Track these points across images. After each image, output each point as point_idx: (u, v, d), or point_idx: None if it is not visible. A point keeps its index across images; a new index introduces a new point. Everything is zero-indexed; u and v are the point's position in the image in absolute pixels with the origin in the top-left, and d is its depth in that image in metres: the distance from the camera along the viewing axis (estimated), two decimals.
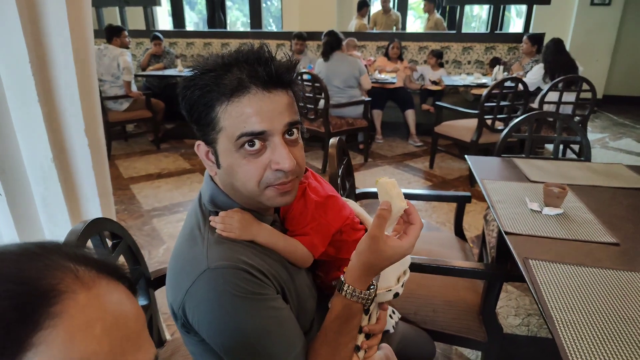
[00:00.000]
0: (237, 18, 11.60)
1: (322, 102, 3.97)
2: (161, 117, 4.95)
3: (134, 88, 4.52)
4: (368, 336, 0.88)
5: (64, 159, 1.70)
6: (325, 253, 0.86)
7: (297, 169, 0.73)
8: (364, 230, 0.92)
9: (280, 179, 0.72)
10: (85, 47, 1.67)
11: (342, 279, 0.76)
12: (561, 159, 2.07)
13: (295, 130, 0.73)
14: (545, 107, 3.60)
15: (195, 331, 0.73)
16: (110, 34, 4.40)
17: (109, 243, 1.03)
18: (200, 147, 0.76)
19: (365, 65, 4.59)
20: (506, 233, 1.26)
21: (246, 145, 0.69)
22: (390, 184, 0.74)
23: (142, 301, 1.12)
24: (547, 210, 1.39)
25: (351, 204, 0.98)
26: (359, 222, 0.92)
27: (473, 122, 3.66)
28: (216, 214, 0.77)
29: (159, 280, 1.18)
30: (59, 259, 0.35)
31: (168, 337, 1.52)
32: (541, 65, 3.95)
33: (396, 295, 0.88)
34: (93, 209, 1.81)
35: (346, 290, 0.75)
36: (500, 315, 2.13)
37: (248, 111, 0.67)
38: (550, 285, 1.00)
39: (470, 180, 3.78)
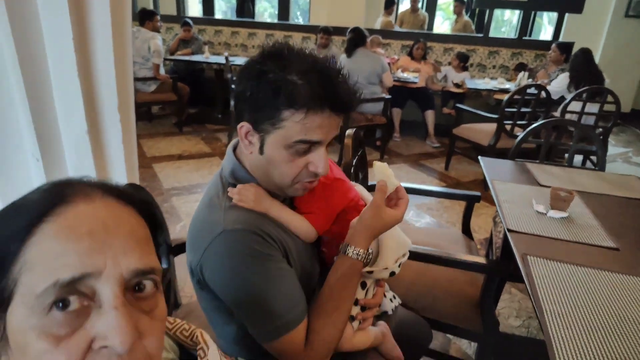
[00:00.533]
0: (265, 9, 11.69)
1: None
2: (186, 100, 5.09)
3: (162, 71, 4.66)
4: (363, 309, 0.95)
5: (96, 132, 1.81)
6: (330, 231, 0.93)
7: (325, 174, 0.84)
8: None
9: (311, 178, 0.82)
10: (123, 28, 1.78)
11: (347, 243, 0.86)
12: (574, 166, 2.09)
13: (333, 140, 0.83)
14: (567, 117, 3.59)
15: (210, 288, 0.82)
16: (143, 17, 4.54)
17: None
18: (244, 128, 0.81)
19: (388, 63, 4.62)
20: (509, 230, 1.32)
21: (299, 147, 0.78)
22: (385, 166, 0.91)
23: (163, 264, 1.22)
24: (553, 213, 1.43)
25: (358, 187, 1.05)
26: (363, 204, 0.99)
27: (492, 127, 3.68)
28: (234, 186, 0.85)
29: (179, 248, 1.27)
30: (80, 184, 0.45)
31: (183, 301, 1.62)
32: (567, 74, 3.93)
33: (392, 273, 0.95)
34: (120, 182, 1.92)
35: (352, 252, 0.84)
36: (502, 315, 2.18)
37: (315, 125, 0.76)
38: (545, 280, 1.06)
39: (484, 184, 3.77)
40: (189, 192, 3.38)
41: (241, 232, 0.78)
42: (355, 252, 0.84)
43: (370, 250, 0.87)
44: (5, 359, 0.41)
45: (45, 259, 0.39)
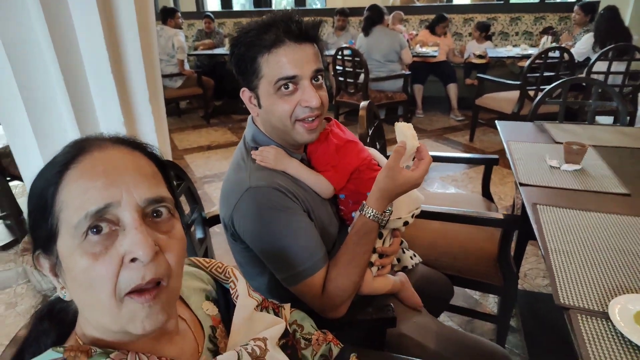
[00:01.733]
0: None
1: (362, 77, 4.07)
2: (211, 93, 5.26)
3: (186, 66, 4.82)
4: (381, 256, 1.05)
5: (131, 123, 1.97)
6: (346, 188, 1.02)
7: (321, 107, 0.91)
8: (380, 170, 1.08)
9: (306, 114, 0.90)
10: (147, 26, 1.91)
11: (364, 203, 0.94)
12: (597, 123, 2.09)
13: (320, 77, 0.91)
14: (593, 78, 3.51)
15: (241, 239, 0.93)
16: (165, 15, 4.70)
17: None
18: (245, 93, 0.95)
19: (407, 40, 4.61)
20: (521, 184, 1.37)
21: (282, 87, 0.87)
22: (406, 127, 0.91)
23: (199, 234, 1.35)
24: (566, 166, 1.47)
25: (372, 151, 1.14)
26: (376, 163, 1.07)
27: (515, 94, 3.64)
28: (256, 149, 0.96)
29: (213, 220, 1.40)
30: (94, 139, 0.55)
31: None
32: (591, 34, 3.82)
33: (406, 223, 1.04)
34: None
35: (366, 211, 0.92)
36: (529, 275, 2.22)
37: (283, 60, 0.86)
38: (553, 225, 1.12)
39: None
40: (219, 179, 3.54)
41: (265, 188, 0.89)
42: (368, 211, 0.92)
43: (387, 211, 0.93)
44: (62, 280, 0.53)
45: (75, 197, 0.49)
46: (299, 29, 0.86)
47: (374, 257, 1.03)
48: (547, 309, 1.97)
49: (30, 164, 1.86)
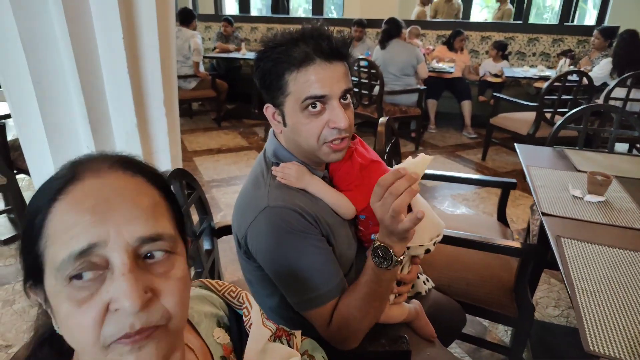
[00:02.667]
0: (300, 4, 11.78)
1: (376, 89, 4.04)
2: (224, 97, 5.25)
3: (201, 69, 4.82)
4: (399, 283, 1.00)
5: (144, 125, 1.94)
6: (367, 209, 0.98)
7: (349, 128, 0.86)
8: None
9: (334, 136, 0.85)
10: (167, 28, 1.89)
11: (373, 237, 0.86)
12: (616, 152, 2.04)
13: (348, 96, 0.86)
14: (611, 104, 3.45)
15: (254, 258, 0.89)
16: (184, 17, 4.71)
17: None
18: (269, 109, 0.91)
19: (424, 54, 4.58)
20: (543, 214, 1.32)
21: (309, 107, 0.83)
22: (426, 162, 0.79)
23: (207, 246, 1.31)
24: (589, 197, 1.42)
25: None
26: None
27: (531, 116, 3.59)
28: (277, 165, 0.92)
29: (222, 231, 1.36)
30: (90, 161, 0.49)
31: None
32: (609, 59, 3.77)
33: (427, 251, 0.99)
34: (164, 169, 2.06)
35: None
36: (540, 304, 2.16)
37: (312, 78, 0.82)
38: (578, 260, 1.07)
39: (523, 174, 3.71)
40: (228, 183, 3.51)
41: (283, 209, 0.85)
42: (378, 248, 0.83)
43: (399, 258, 0.83)
44: (52, 316, 0.48)
45: (60, 233, 0.44)
46: (329, 46, 0.82)
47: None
48: (559, 340, 1.90)
49: (39, 158, 1.83)
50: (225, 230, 1.36)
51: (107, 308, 0.43)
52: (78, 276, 0.43)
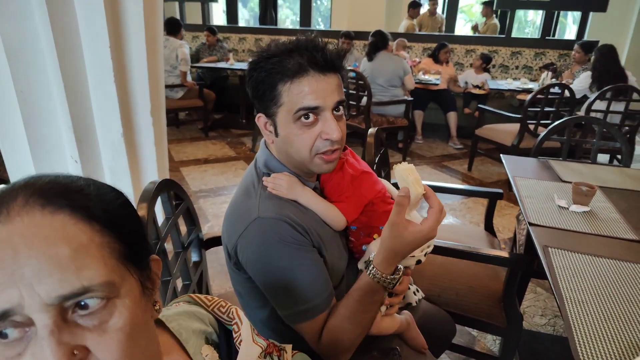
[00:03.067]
0: (287, 16, 11.88)
1: (364, 100, 4.07)
2: (212, 107, 5.23)
3: (189, 78, 4.81)
4: (390, 295, 0.99)
5: (130, 135, 1.92)
6: (358, 220, 0.98)
7: (341, 140, 0.86)
8: (394, 204, 1.03)
9: (327, 147, 0.85)
10: (155, 37, 1.88)
11: (371, 259, 0.86)
12: (598, 163, 2.08)
13: (341, 107, 0.86)
14: (593, 116, 3.54)
15: (244, 269, 0.88)
16: (171, 27, 4.70)
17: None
18: (261, 119, 0.90)
19: (410, 66, 4.64)
20: (530, 224, 1.34)
21: (302, 118, 0.83)
22: (408, 170, 0.81)
23: (195, 258, 1.29)
24: (574, 208, 1.44)
25: (385, 182, 1.10)
26: (390, 196, 1.03)
27: (515, 127, 3.66)
28: (268, 175, 0.92)
29: (210, 242, 1.34)
30: (7, 194, 0.41)
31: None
32: (589, 73, 3.87)
33: (418, 262, 0.99)
34: (150, 179, 2.04)
35: (371, 271, 0.84)
36: (527, 313, 2.17)
37: (306, 90, 0.82)
38: (566, 270, 1.08)
39: (508, 184, 3.77)
40: (215, 194, 3.48)
41: (274, 220, 0.84)
42: (374, 272, 0.83)
43: (397, 272, 0.84)
44: None
45: None
46: (324, 58, 0.82)
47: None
48: (547, 350, 1.91)
49: (21, 169, 1.80)
50: (214, 241, 1.35)
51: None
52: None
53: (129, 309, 0.42)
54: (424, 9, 6.81)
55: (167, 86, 4.66)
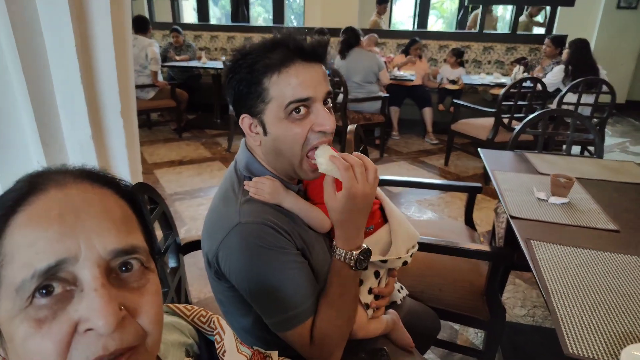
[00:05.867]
0: (259, 14, 11.75)
1: (340, 97, 4.06)
2: (185, 107, 5.11)
3: (160, 78, 4.68)
4: (377, 297, 0.97)
5: (100, 137, 1.83)
6: None
7: (333, 133, 0.83)
8: (378, 204, 1.01)
9: (320, 139, 0.81)
10: (123, 35, 1.80)
11: (335, 244, 0.84)
12: (573, 155, 2.12)
13: (329, 100, 0.83)
14: (564, 108, 3.62)
15: (226, 278, 0.84)
16: (140, 25, 4.57)
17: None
18: (245, 120, 0.85)
19: (385, 62, 4.65)
20: (512, 217, 1.34)
21: (293, 112, 0.79)
22: (320, 152, 0.80)
23: (172, 264, 1.24)
24: (553, 199, 1.45)
25: None
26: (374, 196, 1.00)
27: (490, 121, 3.71)
28: (249, 179, 0.88)
29: (188, 247, 1.29)
30: (52, 172, 0.45)
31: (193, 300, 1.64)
32: (562, 66, 3.96)
33: (405, 263, 0.97)
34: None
35: (335, 252, 0.84)
36: (507, 305, 2.20)
37: (294, 81, 0.78)
38: (549, 262, 1.08)
39: (484, 178, 3.83)
40: (192, 196, 3.40)
41: (256, 225, 0.80)
42: (337, 252, 0.83)
43: (360, 249, 0.83)
44: (3, 351, 0.42)
45: (21, 249, 0.39)
46: (308, 46, 0.79)
47: (370, 299, 0.95)
48: (527, 341, 1.94)
49: None
50: (192, 246, 1.30)
51: (75, 330, 0.38)
52: (41, 293, 0.38)
53: (157, 281, 0.46)
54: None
55: (137, 86, 4.52)
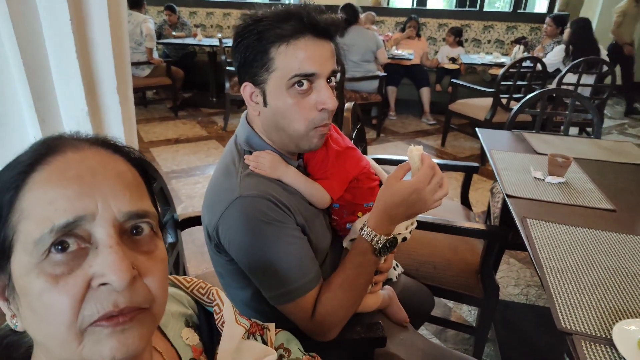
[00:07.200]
0: None
1: (337, 76, 4.01)
2: (180, 85, 5.05)
3: (155, 55, 4.61)
4: (375, 273, 0.98)
5: (97, 113, 1.81)
6: (342, 198, 0.95)
7: (333, 112, 0.82)
8: (378, 181, 1.01)
9: (324, 121, 0.82)
10: (118, 10, 1.76)
11: (365, 223, 0.86)
12: (571, 135, 2.12)
13: (333, 78, 0.82)
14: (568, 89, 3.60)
15: (226, 251, 0.84)
16: (135, 1, 4.47)
17: None
18: (247, 89, 0.84)
19: (383, 41, 4.59)
20: (508, 196, 1.35)
21: (296, 85, 0.78)
22: (415, 149, 0.84)
23: (170, 239, 1.24)
24: (550, 179, 1.46)
25: (368, 159, 1.07)
26: (374, 173, 1.01)
27: (488, 101, 3.69)
28: (250, 153, 0.87)
29: (185, 223, 1.30)
30: (68, 137, 0.47)
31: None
32: (562, 46, 3.92)
33: (404, 239, 0.97)
34: None
35: (365, 231, 0.85)
36: (501, 284, 2.23)
37: (302, 55, 0.77)
38: (544, 240, 1.09)
39: (481, 159, 3.83)
40: (188, 174, 3.39)
41: (256, 199, 0.80)
42: (367, 231, 0.84)
43: (389, 236, 0.84)
44: (14, 306, 0.43)
45: (40, 205, 0.40)
46: (322, 21, 0.77)
47: None
48: (520, 318, 1.97)
49: None
50: (189, 222, 1.30)
51: (89, 285, 0.40)
52: (58, 248, 0.40)
53: (164, 248, 0.47)
54: None
55: (132, 64, 4.45)
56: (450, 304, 2.09)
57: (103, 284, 0.40)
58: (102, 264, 0.40)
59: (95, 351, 0.40)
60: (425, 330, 1.90)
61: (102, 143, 0.47)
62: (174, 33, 5.45)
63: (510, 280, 2.28)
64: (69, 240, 0.40)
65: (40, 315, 0.40)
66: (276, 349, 0.74)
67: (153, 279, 0.44)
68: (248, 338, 0.66)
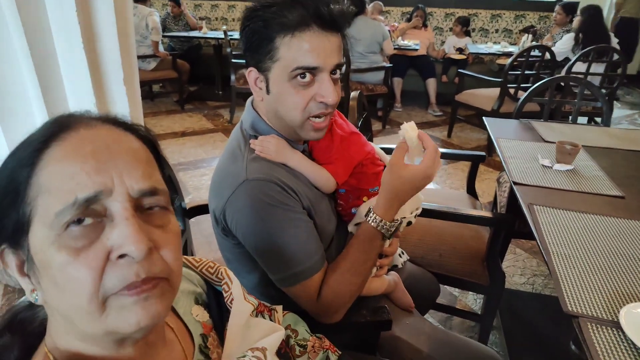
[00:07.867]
0: None
1: (343, 67, 4.00)
2: (186, 78, 5.06)
3: (161, 48, 4.62)
4: (380, 256, 0.99)
5: (104, 105, 1.83)
6: (347, 183, 0.95)
7: (335, 105, 0.82)
8: (383, 166, 1.01)
9: (321, 110, 0.81)
10: (124, 2, 1.77)
11: (371, 208, 0.87)
12: (579, 123, 2.10)
13: (338, 71, 0.82)
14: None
15: (233, 235, 0.86)
16: None
17: None
18: (252, 74, 0.84)
19: (389, 31, 4.56)
20: (515, 183, 1.34)
21: (298, 77, 0.78)
22: (408, 125, 0.85)
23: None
24: (558, 166, 1.45)
25: (373, 145, 1.07)
26: (378, 158, 1.01)
27: (495, 92, 3.65)
28: (255, 137, 0.88)
29: (193, 211, 1.31)
30: (80, 115, 0.47)
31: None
32: (572, 34, 3.86)
33: (409, 223, 0.98)
34: None
35: (371, 217, 0.85)
36: (507, 273, 2.22)
37: (306, 47, 0.76)
38: (551, 226, 1.09)
39: (487, 149, 3.80)
40: (195, 167, 3.41)
41: (262, 182, 0.81)
42: (372, 217, 0.85)
43: (394, 222, 0.85)
44: (34, 280, 0.44)
45: (60, 180, 0.41)
46: (330, 13, 0.76)
47: None
48: (526, 307, 1.97)
49: None
50: (196, 210, 1.31)
51: (108, 258, 0.41)
52: (77, 222, 0.41)
53: (176, 222, 0.48)
54: None
55: (138, 57, 4.46)
56: (456, 292, 2.09)
57: (121, 257, 0.41)
58: (120, 236, 0.41)
59: (121, 319, 0.41)
60: (431, 318, 1.90)
61: (114, 121, 0.48)
62: (190, 17, 5.43)
63: (517, 269, 2.28)
64: (84, 217, 0.41)
65: (63, 287, 0.41)
66: None
67: (169, 250, 0.45)
68: (256, 316, 0.67)
